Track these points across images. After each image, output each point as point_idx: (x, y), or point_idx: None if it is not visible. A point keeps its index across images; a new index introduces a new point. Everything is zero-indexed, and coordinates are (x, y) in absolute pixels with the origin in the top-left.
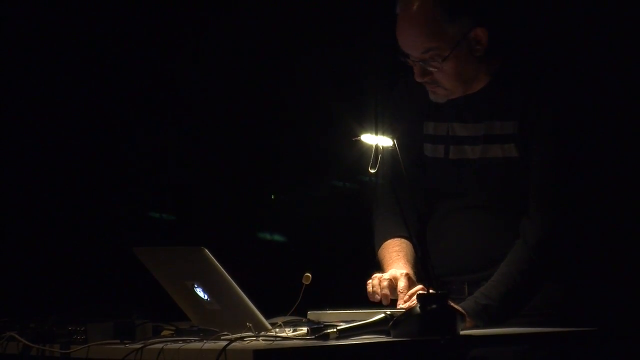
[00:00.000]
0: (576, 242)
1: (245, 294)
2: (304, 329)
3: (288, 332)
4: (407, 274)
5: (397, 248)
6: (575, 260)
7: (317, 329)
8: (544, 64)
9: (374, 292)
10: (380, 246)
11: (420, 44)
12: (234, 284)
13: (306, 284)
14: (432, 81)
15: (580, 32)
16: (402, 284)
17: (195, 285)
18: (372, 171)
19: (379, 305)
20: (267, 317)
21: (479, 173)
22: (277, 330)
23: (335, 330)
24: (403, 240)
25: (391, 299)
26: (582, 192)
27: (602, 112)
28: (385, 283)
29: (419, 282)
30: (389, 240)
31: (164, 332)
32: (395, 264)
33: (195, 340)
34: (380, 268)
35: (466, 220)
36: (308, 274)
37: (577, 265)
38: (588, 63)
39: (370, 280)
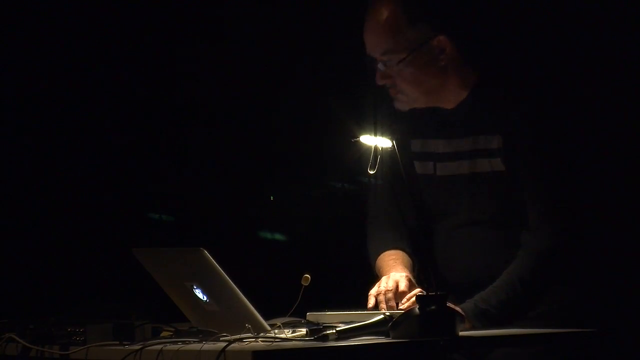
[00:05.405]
0: (577, 249)
1: (244, 295)
2: (303, 330)
3: (287, 333)
4: (407, 277)
5: (393, 257)
6: (577, 266)
7: (316, 330)
8: (519, 76)
9: (379, 304)
10: (376, 258)
11: (378, 44)
12: (233, 285)
13: (305, 285)
14: (392, 85)
15: (557, 39)
16: (403, 284)
17: (194, 287)
18: (372, 172)
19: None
20: (266, 318)
21: (469, 189)
22: (276, 331)
23: (334, 331)
24: (398, 251)
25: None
26: (577, 198)
27: (586, 115)
28: (390, 295)
29: (419, 285)
30: (384, 252)
31: (163, 333)
32: (394, 269)
33: (194, 342)
34: (378, 277)
35: (462, 239)
36: (307, 275)
37: (580, 270)
38: (566, 67)
39: (373, 293)
